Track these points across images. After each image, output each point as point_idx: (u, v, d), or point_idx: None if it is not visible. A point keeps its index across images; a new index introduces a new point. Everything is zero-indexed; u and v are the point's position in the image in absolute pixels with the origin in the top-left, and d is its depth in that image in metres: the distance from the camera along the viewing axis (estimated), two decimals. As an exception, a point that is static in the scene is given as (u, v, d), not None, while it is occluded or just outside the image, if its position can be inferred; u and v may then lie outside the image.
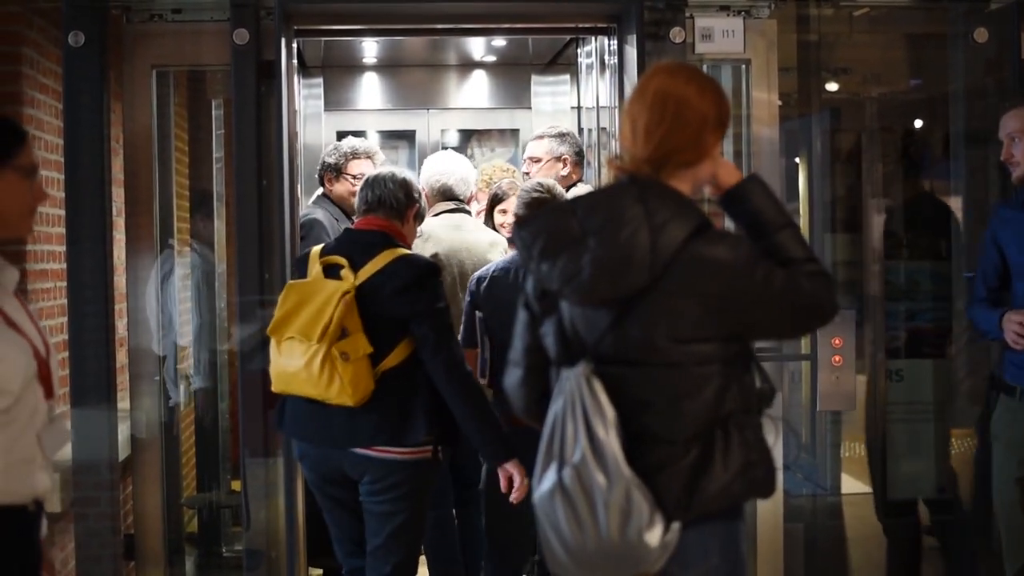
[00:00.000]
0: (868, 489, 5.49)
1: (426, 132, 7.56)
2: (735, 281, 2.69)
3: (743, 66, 4.87)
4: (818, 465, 5.45)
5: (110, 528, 4.49)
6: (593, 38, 5.67)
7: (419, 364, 4.08)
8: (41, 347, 2.77)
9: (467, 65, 7.50)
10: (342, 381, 3.91)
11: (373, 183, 4.25)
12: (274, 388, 4.10)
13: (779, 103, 4.94)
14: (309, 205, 5.59)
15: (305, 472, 4.29)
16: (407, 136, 7.76)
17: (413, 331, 4.05)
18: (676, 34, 4.59)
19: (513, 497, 4.16)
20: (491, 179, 5.90)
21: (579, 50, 6.21)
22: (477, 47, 7.04)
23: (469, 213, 5.39)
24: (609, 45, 4.95)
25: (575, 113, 6.86)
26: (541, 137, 5.49)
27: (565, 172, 5.38)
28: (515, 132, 7.71)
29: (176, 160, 6.06)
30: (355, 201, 4.38)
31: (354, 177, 5.31)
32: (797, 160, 5.59)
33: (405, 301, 4.03)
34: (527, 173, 5.50)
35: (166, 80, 5.00)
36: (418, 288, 4.06)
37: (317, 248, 4.21)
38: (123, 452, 4.72)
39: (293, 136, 4.58)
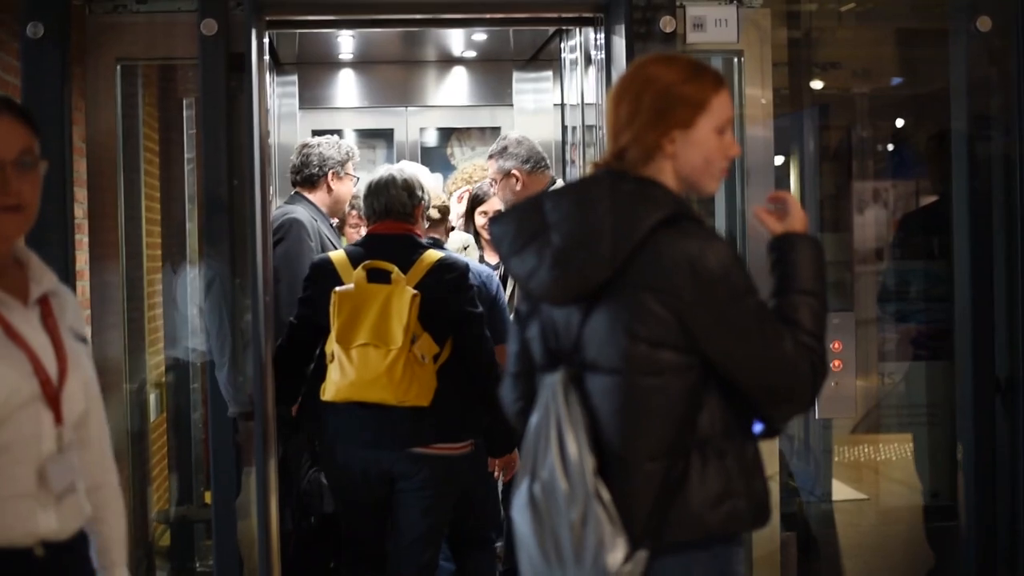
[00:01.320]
0: (861, 495, 5.39)
1: (404, 131, 7.36)
2: (702, 283, 2.47)
3: (736, 58, 4.68)
4: (812, 472, 5.29)
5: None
6: (577, 31, 5.47)
7: (460, 361, 4.27)
8: (52, 366, 2.42)
9: (446, 61, 7.29)
10: (420, 383, 4.08)
11: (377, 190, 4.34)
12: (334, 397, 4.15)
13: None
14: (284, 205, 5.36)
15: (339, 480, 4.38)
16: (384, 135, 7.54)
17: (460, 329, 4.26)
18: (667, 23, 4.35)
19: (504, 478, 4.58)
20: (471, 178, 5.77)
21: (563, 44, 5.99)
22: (456, 42, 6.83)
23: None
24: (596, 38, 4.73)
25: (558, 111, 6.67)
26: (490, 157, 5.30)
27: (519, 187, 5.16)
28: (496, 130, 7.43)
29: (147, 161, 5.88)
30: (356, 204, 4.51)
31: (353, 177, 5.25)
32: (781, 158, 5.42)
33: (456, 301, 4.24)
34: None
35: (134, 76, 4.79)
36: (464, 289, 4.29)
37: (338, 253, 4.34)
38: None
39: (265, 134, 4.35)
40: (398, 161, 6.77)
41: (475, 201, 5.56)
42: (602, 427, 2.56)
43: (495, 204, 5.33)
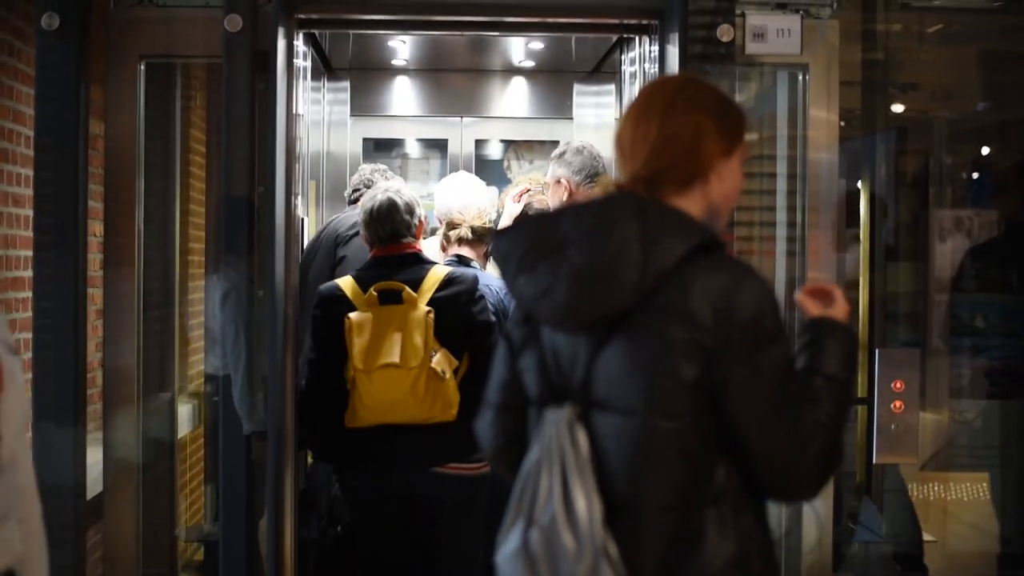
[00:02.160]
0: (929, 537, 5.12)
1: (459, 142, 7.08)
2: (733, 321, 2.21)
3: (801, 74, 4.38)
4: (873, 511, 5.00)
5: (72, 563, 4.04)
6: (636, 42, 5.20)
7: (476, 374, 4.06)
8: None
9: (504, 71, 6.99)
10: (443, 399, 4.08)
11: (380, 218, 4.28)
12: (361, 423, 4.10)
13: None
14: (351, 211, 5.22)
15: (359, 503, 4.30)
16: (439, 145, 7.28)
17: (474, 340, 4.21)
18: (724, 32, 4.10)
19: None
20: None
21: (622, 56, 5.73)
22: (515, 50, 6.56)
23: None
24: (650, 49, 4.46)
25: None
26: (552, 159, 5.08)
27: (566, 197, 4.92)
28: (555, 144, 7.19)
29: (196, 165, 5.72)
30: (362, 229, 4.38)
31: None
32: (854, 183, 5.15)
33: (470, 315, 4.23)
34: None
35: (170, 75, 4.63)
36: (475, 300, 4.26)
37: (345, 279, 4.28)
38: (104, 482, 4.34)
39: (293, 139, 4.13)
40: (453, 172, 6.57)
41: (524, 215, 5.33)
42: (610, 473, 2.30)
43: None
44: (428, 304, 4.15)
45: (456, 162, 6.97)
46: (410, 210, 4.31)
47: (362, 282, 4.22)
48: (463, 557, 4.37)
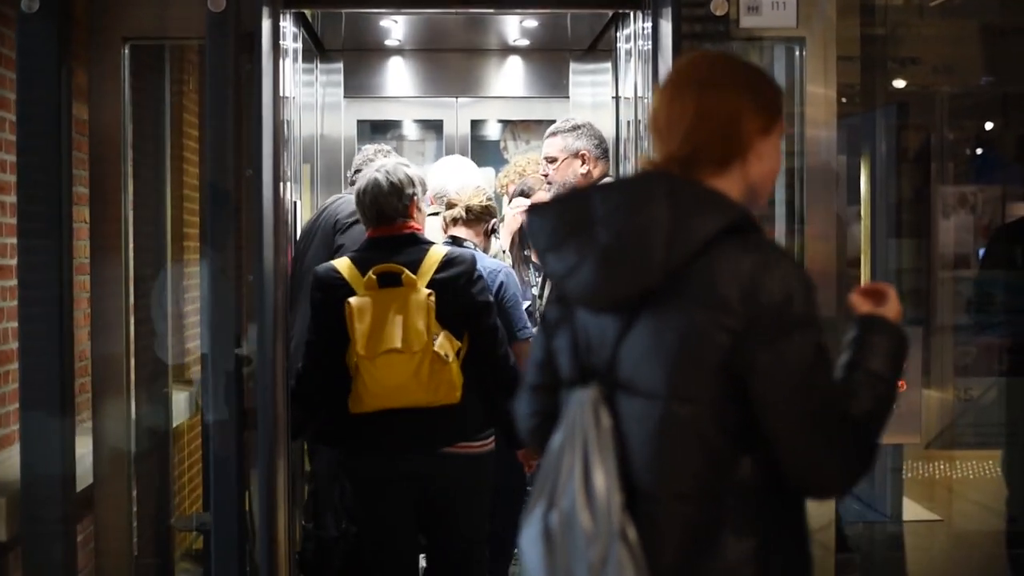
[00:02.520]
0: (934, 516, 5.19)
1: (454, 123, 7.01)
2: (759, 305, 2.15)
3: (797, 48, 4.31)
4: (876, 489, 5.01)
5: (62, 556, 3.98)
6: (632, 18, 5.14)
7: (476, 355, 4.21)
8: None
9: (500, 50, 6.93)
10: (447, 383, 4.06)
11: (364, 200, 4.24)
12: (366, 408, 4.07)
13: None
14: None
15: (365, 492, 4.26)
16: (434, 126, 7.24)
17: (477, 323, 4.20)
18: (718, 6, 4.03)
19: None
20: (524, 172, 5.55)
21: (618, 33, 5.67)
22: (510, 29, 6.50)
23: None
24: (643, 25, 4.39)
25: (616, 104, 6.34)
26: (554, 134, 5.02)
27: (584, 170, 4.88)
28: (552, 124, 7.15)
29: (187, 148, 5.68)
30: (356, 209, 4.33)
31: None
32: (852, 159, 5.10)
33: (471, 295, 4.18)
34: (546, 175, 4.99)
35: (159, 57, 4.62)
36: (474, 280, 4.20)
37: (342, 261, 4.22)
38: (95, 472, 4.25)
39: (280, 123, 4.08)
40: (448, 154, 6.51)
41: (522, 196, 5.28)
42: (631, 456, 2.26)
43: (542, 199, 5.03)
44: (428, 286, 4.09)
45: (452, 143, 6.93)
46: (396, 191, 4.21)
47: (360, 264, 4.16)
48: (471, 535, 4.37)
